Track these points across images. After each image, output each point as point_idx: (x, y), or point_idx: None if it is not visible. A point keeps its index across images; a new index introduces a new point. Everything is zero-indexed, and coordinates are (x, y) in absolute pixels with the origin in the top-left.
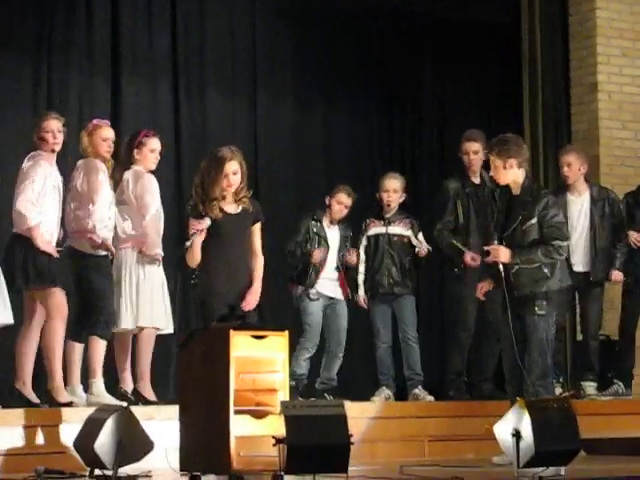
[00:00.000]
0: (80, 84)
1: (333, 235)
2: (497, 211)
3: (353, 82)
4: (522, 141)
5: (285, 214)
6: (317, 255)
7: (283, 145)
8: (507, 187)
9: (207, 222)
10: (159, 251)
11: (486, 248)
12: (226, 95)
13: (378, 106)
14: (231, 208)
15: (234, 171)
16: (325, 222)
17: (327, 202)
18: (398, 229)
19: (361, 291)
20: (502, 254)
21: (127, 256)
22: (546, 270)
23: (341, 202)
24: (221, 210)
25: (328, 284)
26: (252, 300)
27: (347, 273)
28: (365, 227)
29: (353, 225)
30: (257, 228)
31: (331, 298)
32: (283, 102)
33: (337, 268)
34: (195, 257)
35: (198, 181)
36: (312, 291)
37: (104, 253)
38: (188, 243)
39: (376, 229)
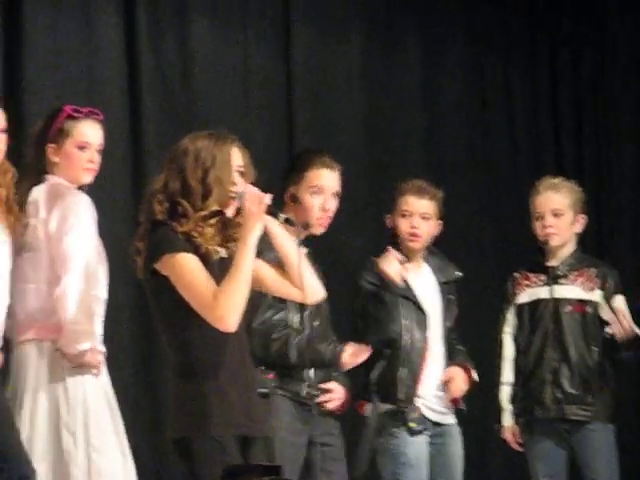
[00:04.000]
0: None
1: (426, 289)
2: None
3: None
4: None
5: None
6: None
7: (343, 107)
8: None
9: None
10: (94, 345)
11: None
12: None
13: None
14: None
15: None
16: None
17: (388, 223)
18: (574, 290)
19: (508, 417)
20: None
21: (27, 358)
22: None
23: (410, 212)
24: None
25: (430, 396)
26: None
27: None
28: (512, 288)
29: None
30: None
31: (437, 424)
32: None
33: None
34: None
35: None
36: (412, 415)
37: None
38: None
39: (533, 292)
